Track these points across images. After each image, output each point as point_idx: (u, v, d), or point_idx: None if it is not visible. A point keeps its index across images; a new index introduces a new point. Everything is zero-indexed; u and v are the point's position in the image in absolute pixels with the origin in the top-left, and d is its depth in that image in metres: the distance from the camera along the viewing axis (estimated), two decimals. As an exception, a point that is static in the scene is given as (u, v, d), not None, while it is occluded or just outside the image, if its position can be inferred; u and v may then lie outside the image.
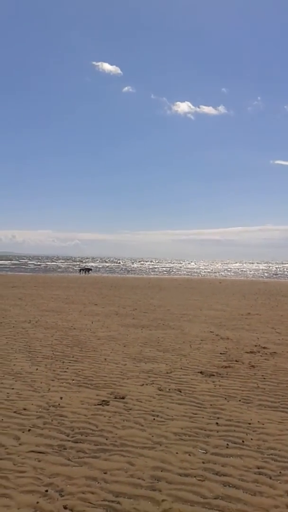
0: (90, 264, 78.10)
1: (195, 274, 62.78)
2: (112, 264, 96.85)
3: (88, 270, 55.09)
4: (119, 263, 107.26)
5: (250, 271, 77.45)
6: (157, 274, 58.81)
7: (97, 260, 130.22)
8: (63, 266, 78.72)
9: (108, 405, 6.11)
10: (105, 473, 4.23)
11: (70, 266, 79.78)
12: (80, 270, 55.37)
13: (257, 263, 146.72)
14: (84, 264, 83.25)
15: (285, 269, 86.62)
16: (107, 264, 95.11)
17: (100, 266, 66.22)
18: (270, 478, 4.18)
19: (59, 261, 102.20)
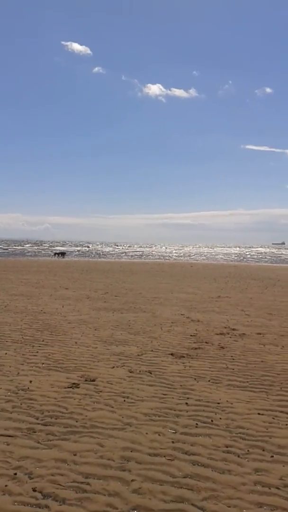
0: (61, 248, 77.21)
1: (167, 258, 63.06)
2: (84, 248, 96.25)
3: (62, 254, 54.57)
4: (90, 247, 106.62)
5: (221, 255, 78.31)
6: (129, 258, 58.80)
7: (67, 244, 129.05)
8: (33, 250, 77.71)
9: (78, 387, 6.09)
10: (74, 455, 4.22)
11: (41, 250, 78.87)
12: (54, 254, 54.80)
13: (228, 247, 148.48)
14: (58, 248, 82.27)
15: (254, 253, 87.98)
16: (78, 248, 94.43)
17: (71, 250, 65.60)
18: (238, 456, 4.25)
19: (28, 245, 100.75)
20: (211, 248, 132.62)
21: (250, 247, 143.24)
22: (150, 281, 23.02)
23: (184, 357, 7.77)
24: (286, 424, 4.97)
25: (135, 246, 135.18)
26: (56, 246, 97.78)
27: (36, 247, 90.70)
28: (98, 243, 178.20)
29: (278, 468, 4.02)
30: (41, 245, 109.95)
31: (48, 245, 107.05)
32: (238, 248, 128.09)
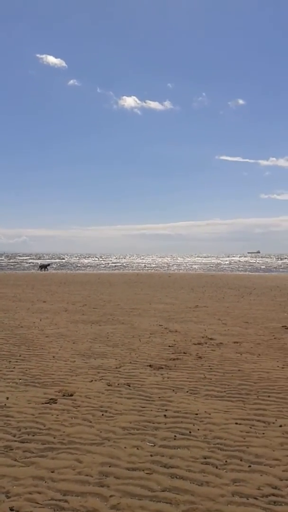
0: (38, 261, 76.35)
1: (145, 268, 63.15)
2: (62, 261, 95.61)
3: (46, 266, 53.57)
4: (64, 259, 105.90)
5: (199, 264, 78.82)
6: (107, 270, 58.67)
7: (44, 256, 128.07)
8: (8, 263, 76.81)
9: (56, 403, 6.03)
10: (52, 472, 4.17)
11: (16, 263, 78.03)
12: (40, 267, 53.62)
13: (205, 256, 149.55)
14: (40, 261, 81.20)
15: (231, 262, 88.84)
16: (55, 261, 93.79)
17: (49, 262, 64.95)
18: (217, 467, 4.27)
19: (4, 258, 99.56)
20: (188, 257, 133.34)
21: (226, 256, 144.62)
22: (128, 292, 23.00)
23: (162, 368, 7.78)
24: (263, 433, 5.02)
25: (114, 257, 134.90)
26: (31, 259, 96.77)
27: (13, 261, 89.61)
28: (76, 254, 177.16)
29: (256, 478, 4.05)
30: (15, 258, 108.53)
31: (23, 258, 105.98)
32: (215, 258, 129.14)
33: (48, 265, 54.93)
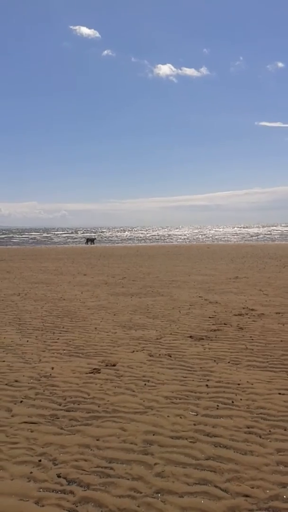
0: (90, 235, 76.68)
1: (183, 240, 62.86)
2: (100, 234, 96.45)
3: (92, 240, 54.00)
4: (103, 232, 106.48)
5: (238, 235, 77.71)
6: (145, 242, 58.78)
7: (82, 230, 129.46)
8: (52, 238, 78.15)
9: (99, 373, 6.15)
10: (97, 440, 4.28)
11: (59, 237, 79.30)
12: (86, 241, 54.08)
13: (244, 227, 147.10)
14: (88, 235, 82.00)
15: (271, 232, 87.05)
16: (94, 235, 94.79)
17: (95, 236, 65.32)
18: (260, 437, 4.25)
19: (46, 233, 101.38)
20: (227, 228, 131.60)
21: (267, 226, 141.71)
22: (167, 264, 22.99)
23: (203, 339, 7.77)
24: (308, 404, 4.95)
25: (151, 230, 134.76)
26: (66, 233, 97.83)
27: (54, 235, 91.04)
28: (114, 228, 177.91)
29: (301, 448, 4.01)
30: (50, 232, 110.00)
31: (66, 232, 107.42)
32: (255, 228, 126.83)
33: (95, 239, 55.40)
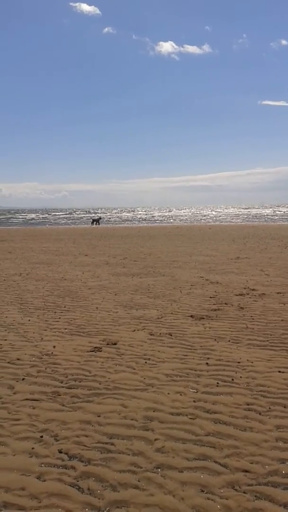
0: (97, 215, 76.13)
1: (185, 221, 62.71)
2: (102, 215, 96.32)
3: (98, 220, 53.69)
4: (104, 212, 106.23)
5: (240, 215, 77.45)
6: (146, 223, 58.64)
7: (85, 211, 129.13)
8: (52, 218, 78.04)
9: (100, 351, 6.19)
10: (98, 416, 4.32)
11: (60, 218, 79.15)
12: (92, 221, 53.89)
13: (246, 208, 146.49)
14: (93, 215, 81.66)
15: (273, 212, 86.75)
16: (100, 214, 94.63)
17: (100, 216, 64.90)
18: (260, 414, 4.29)
19: (47, 214, 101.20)
20: (229, 209, 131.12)
21: (269, 207, 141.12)
22: (169, 245, 22.97)
23: (204, 318, 7.80)
24: (307, 382, 4.98)
25: (153, 210, 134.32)
26: (64, 214, 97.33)
27: (55, 216, 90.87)
28: (115, 208, 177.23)
29: (300, 424, 4.05)
30: (61, 212, 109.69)
31: (68, 213, 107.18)
32: (257, 208, 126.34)
33: (100, 219, 55.11)
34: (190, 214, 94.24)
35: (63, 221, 67.31)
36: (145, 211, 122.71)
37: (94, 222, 52.46)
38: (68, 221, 67.27)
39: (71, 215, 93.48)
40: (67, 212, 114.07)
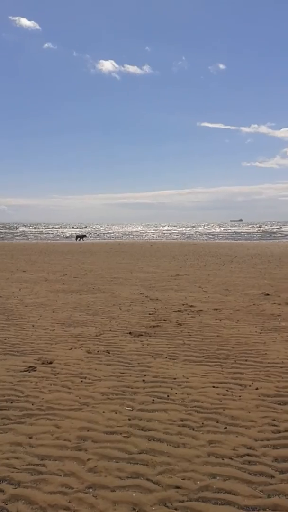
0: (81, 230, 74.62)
1: (126, 237, 63.00)
2: (42, 230, 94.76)
3: (82, 237, 53.62)
4: (45, 228, 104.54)
5: (181, 233, 78.85)
6: (88, 239, 58.34)
7: (23, 226, 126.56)
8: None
9: (35, 371, 6.04)
10: (30, 437, 4.19)
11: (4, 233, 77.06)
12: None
13: (187, 226, 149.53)
14: (78, 230, 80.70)
15: (213, 231, 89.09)
16: (35, 230, 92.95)
17: (85, 233, 63.41)
18: (193, 429, 4.34)
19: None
20: (170, 226, 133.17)
21: (208, 225, 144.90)
22: (110, 261, 22.96)
23: (142, 335, 7.82)
24: (239, 396, 5.10)
25: (95, 226, 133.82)
26: (14, 227, 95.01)
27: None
28: (56, 224, 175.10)
29: (231, 439, 4.13)
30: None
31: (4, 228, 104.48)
32: (197, 226, 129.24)
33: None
34: (132, 230, 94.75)
35: (1, 235, 65.60)
36: (88, 227, 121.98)
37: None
38: (7, 236, 65.65)
39: (11, 230, 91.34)
40: (7, 227, 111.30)
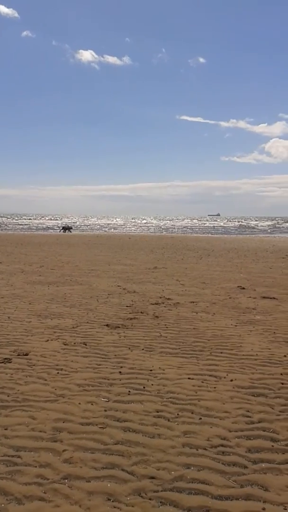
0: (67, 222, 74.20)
1: (105, 230, 62.81)
2: (18, 221, 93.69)
3: (69, 228, 53.31)
4: (20, 218, 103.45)
5: (159, 226, 79.03)
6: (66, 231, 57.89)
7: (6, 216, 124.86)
8: None
9: (10, 362, 6.00)
10: (5, 429, 4.18)
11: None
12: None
13: (165, 219, 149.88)
14: (64, 222, 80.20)
15: (191, 224, 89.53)
16: (12, 221, 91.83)
17: (72, 225, 62.47)
18: (168, 420, 4.39)
19: None
20: (149, 219, 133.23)
21: (186, 219, 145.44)
22: (88, 253, 22.88)
23: (119, 327, 7.84)
24: (214, 387, 5.18)
25: (73, 218, 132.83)
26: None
27: None
28: (33, 215, 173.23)
29: (206, 430, 4.19)
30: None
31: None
32: (175, 220, 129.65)
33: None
34: (110, 223, 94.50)
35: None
36: (65, 219, 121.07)
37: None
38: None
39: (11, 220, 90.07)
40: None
